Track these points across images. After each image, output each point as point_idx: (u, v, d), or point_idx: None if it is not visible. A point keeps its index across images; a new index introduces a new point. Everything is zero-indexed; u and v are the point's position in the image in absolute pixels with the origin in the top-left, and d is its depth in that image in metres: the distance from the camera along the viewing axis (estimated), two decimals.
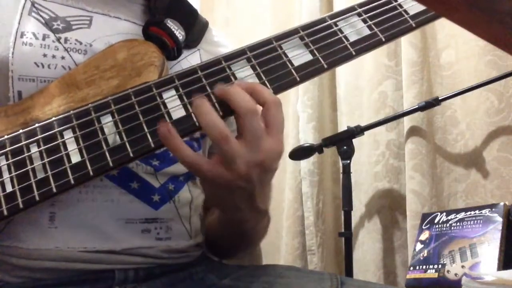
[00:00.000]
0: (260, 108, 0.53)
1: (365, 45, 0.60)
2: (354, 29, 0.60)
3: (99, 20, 0.67)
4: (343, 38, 0.59)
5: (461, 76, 1.36)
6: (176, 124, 0.53)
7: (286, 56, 0.58)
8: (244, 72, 0.56)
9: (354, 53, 0.59)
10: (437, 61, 1.42)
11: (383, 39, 0.59)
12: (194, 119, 0.54)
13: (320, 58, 0.58)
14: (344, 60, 0.59)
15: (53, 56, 0.62)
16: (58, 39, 0.63)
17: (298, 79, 0.57)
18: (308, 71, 0.57)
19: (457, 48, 1.38)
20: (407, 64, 1.40)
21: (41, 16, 0.64)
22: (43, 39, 0.62)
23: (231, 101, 0.52)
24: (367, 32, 0.60)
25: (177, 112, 0.54)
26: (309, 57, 0.58)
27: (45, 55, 0.62)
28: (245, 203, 0.57)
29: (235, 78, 0.56)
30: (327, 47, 0.59)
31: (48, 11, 0.65)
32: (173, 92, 0.55)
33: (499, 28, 0.49)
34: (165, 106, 0.55)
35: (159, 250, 0.66)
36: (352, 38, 0.60)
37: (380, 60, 1.52)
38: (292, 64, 0.57)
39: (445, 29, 1.41)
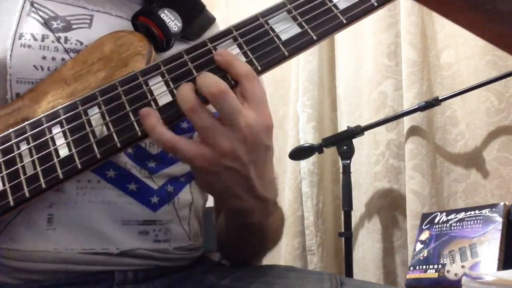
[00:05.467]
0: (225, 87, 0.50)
1: (356, 12, 0.56)
2: None
3: (100, 19, 0.67)
4: (332, 7, 0.56)
5: (461, 76, 1.36)
6: (162, 110, 0.53)
7: (274, 31, 0.56)
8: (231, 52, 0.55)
9: (345, 21, 0.56)
10: (437, 61, 1.42)
11: (375, 4, 0.56)
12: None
13: (308, 30, 0.55)
14: (335, 29, 0.56)
15: (53, 59, 0.61)
16: (58, 39, 0.62)
17: (286, 53, 0.55)
18: (296, 45, 0.55)
19: (457, 48, 1.38)
20: (407, 64, 1.40)
21: (40, 16, 0.64)
22: (42, 40, 0.62)
23: (199, 87, 0.51)
24: None
25: (164, 98, 0.53)
26: (297, 30, 0.56)
27: (44, 58, 0.61)
28: (240, 187, 0.54)
29: None
30: (316, 18, 0.56)
31: (47, 10, 0.65)
32: (159, 78, 0.54)
33: (499, 29, 0.49)
34: (151, 93, 0.54)
35: (158, 252, 0.65)
36: (342, 6, 0.56)
37: (380, 60, 1.52)
38: (279, 39, 0.55)
39: (445, 29, 1.41)
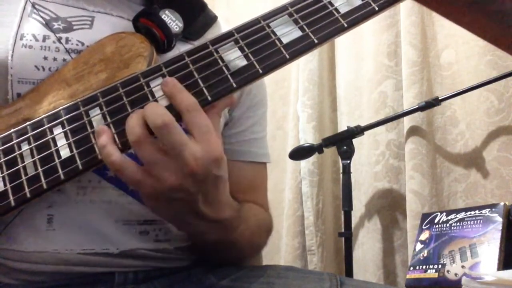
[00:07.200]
0: (171, 119, 0.49)
1: (357, 16, 0.57)
2: (345, 0, 0.57)
3: (101, 20, 0.67)
4: (333, 11, 0.57)
5: (461, 76, 1.36)
6: None
7: (275, 34, 0.56)
8: (232, 55, 0.55)
9: (346, 25, 0.56)
10: (437, 61, 1.42)
11: (376, 8, 0.57)
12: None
13: (310, 33, 0.56)
14: (336, 33, 0.56)
15: (54, 59, 0.61)
16: (59, 40, 0.62)
17: (287, 57, 0.55)
18: (297, 48, 0.55)
19: (457, 48, 1.38)
20: (407, 64, 1.40)
21: (41, 17, 0.64)
22: (43, 40, 0.62)
23: (145, 117, 0.50)
24: (358, 2, 0.57)
25: (165, 100, 0.53)
26: (298, 33, 0.56)
27: (45, 58, 0.61)
28: (188, 214, 0.54)
29: (223, 61, 0.55)
30: (317, 21, 0.56)
31: (48, 12, 0.65)
32: (160, 80, 0.55)
33: (500, 29, 0.49)
34: (153, 95, 0.54)
35: (158, 252, 0.65)
36: (343, 10, 0.57)
37: (380, 60, 1.52)
38: (281, 42, 0.55)
39: (445, 29, 1.41)
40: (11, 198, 0.53)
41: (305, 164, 1.62)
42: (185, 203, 0.53)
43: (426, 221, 1.18)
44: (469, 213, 1.09)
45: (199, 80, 0.54)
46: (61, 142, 0.54)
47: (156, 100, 0.54)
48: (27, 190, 0.53)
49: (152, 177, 0.50)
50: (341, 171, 1.38)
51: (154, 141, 0.50)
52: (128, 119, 0.51)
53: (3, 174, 0.54)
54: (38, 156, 0.54)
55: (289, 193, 1.68)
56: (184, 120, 0.51)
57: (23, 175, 0.53)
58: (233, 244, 0.66)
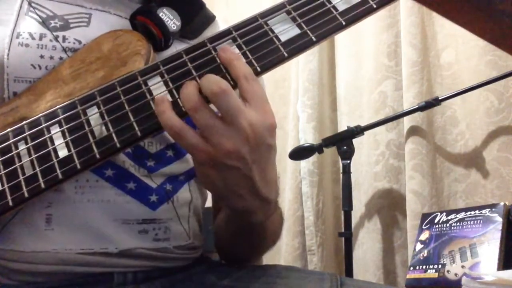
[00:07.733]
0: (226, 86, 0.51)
1: (355, 14, 0.57)
2: None
3: (99, 18, 0.66)
4: (331, 9, 0.57)
5: (461, 76, 1.36)
6: None
7: (273, 32, 0.56)
8: None
9: (344, 23, 0.56)
10: (437, 61, 1.42)
11: (374, 6, 0.57)
12: (181, 104, 0.53)
13: (308, 31, 0.56)
14: (334, 31, 0.56)
15: (51, 57, 0.61)
16: (56, 38, 0.62)
17: (286, 54, 0.55)
18: (296, 46, 0.55)
19: (457, 48, 1.38)
20: (407, 64, 1.40)
21: (38, 15, 0.64)
22: (40, 38, 0.62)
23: (201, 88, 0.51)
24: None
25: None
26: (296, 31, 0.56)
27: (42, 56, 0.61)
28: (243, 187, 0.54)
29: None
30: (315, 19, 0.57)
31: (45, 10, 0.65)
32: (158, 78, 0.55)
33: (500, 29, 0.48)
34: (151, 93, 0.54)
35: (157, 251, 0.65)
36: (341, 8, 0.57)
37: (380, 60, 1.52)
38: (279, 40, 0.56)
39: (445, 29, 1.41)
40: (9, 198, 0.53)
41: (305, 164, 1.62)
42: (241, 173, 0.52)
43: (426, 221, 1.18)
44: (469, 213, 1.09)
45: (197, 79, 0.54)
46: (59, 141, 0.54)
47: (152, 99, 0.53)
48: (25, 189, 0.52)
49: (208, 142, 0.50)
50: (341, 171, 1.38)
51: (210, 108, 0.51)
52: (183, 89, 0.51)
53: (0, 174, 0.54)
54: (36, 156, 0.54)
55: (289, 193, 1.68)
56: (241, 87, 0.52)
57: (20, 175, 0.53)
58: (265, 231, 0.66)
